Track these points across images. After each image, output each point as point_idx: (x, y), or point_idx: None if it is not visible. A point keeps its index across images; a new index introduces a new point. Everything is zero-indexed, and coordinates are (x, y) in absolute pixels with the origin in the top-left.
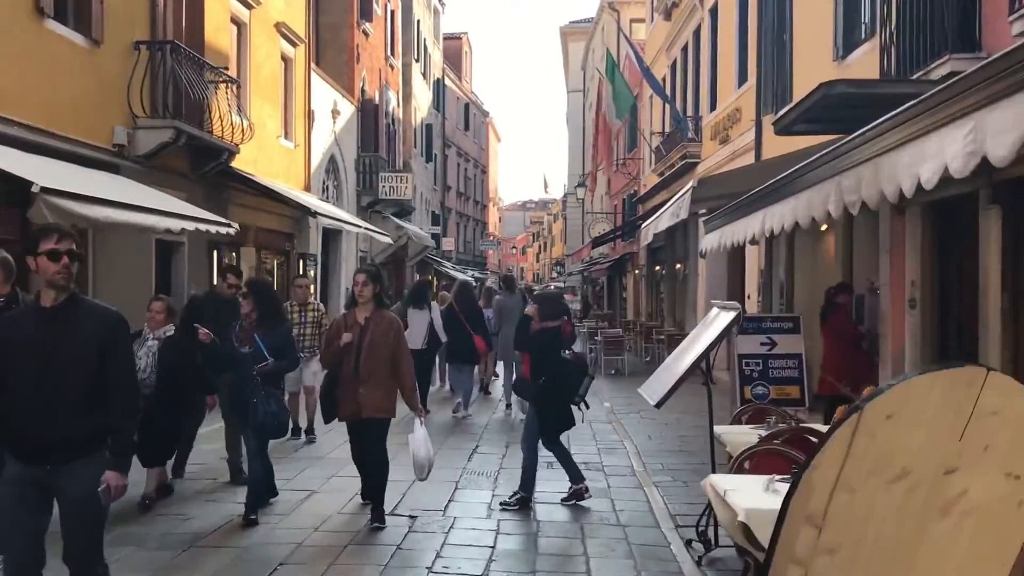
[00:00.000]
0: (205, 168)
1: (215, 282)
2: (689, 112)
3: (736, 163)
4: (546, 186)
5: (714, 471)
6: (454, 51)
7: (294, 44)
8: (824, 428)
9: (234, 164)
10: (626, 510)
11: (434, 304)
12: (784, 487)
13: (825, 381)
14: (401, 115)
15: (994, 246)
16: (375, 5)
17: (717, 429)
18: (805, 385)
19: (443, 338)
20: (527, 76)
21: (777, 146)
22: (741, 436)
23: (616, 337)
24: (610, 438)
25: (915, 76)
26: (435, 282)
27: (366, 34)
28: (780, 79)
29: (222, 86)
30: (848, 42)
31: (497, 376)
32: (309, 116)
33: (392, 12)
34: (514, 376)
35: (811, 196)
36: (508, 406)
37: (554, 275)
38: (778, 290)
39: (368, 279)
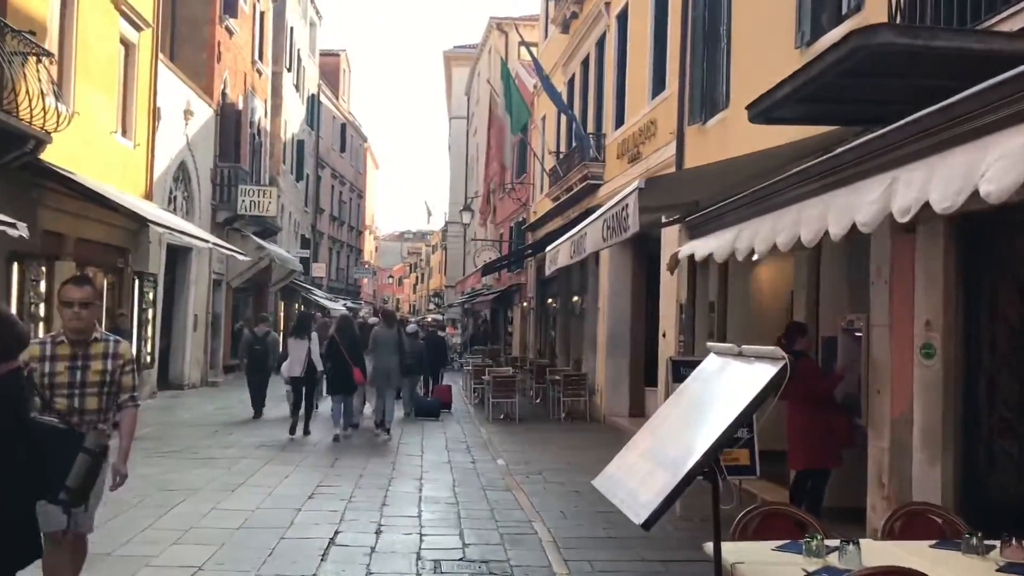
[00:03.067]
0: (4, 159)
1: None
2: (590, 130)
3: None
4: (429, 213)
5: None
6: (331, 68)
7: (138, 28)
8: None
9: (49, 158)
10: None
11: (313, 335)
12: None
13: (798, 455)
14: (269, 127)
15: None
16: (242, 2)
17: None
18: (755, 448)
19: (319, 367)
20: (407, 101)
21: (701, 160)
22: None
23: (507, 377)
24: (513, 516)
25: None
26: (301, 309)
27: (230, 32)
28: (711, 82)
29: (32, 60)
30: (818, 22)
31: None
32: (154, 113)
33: (262, 14)
34: (385, 402)
35: (847, 200)
36: (380, 426)
37: (431, 306)
38: (704, 328)
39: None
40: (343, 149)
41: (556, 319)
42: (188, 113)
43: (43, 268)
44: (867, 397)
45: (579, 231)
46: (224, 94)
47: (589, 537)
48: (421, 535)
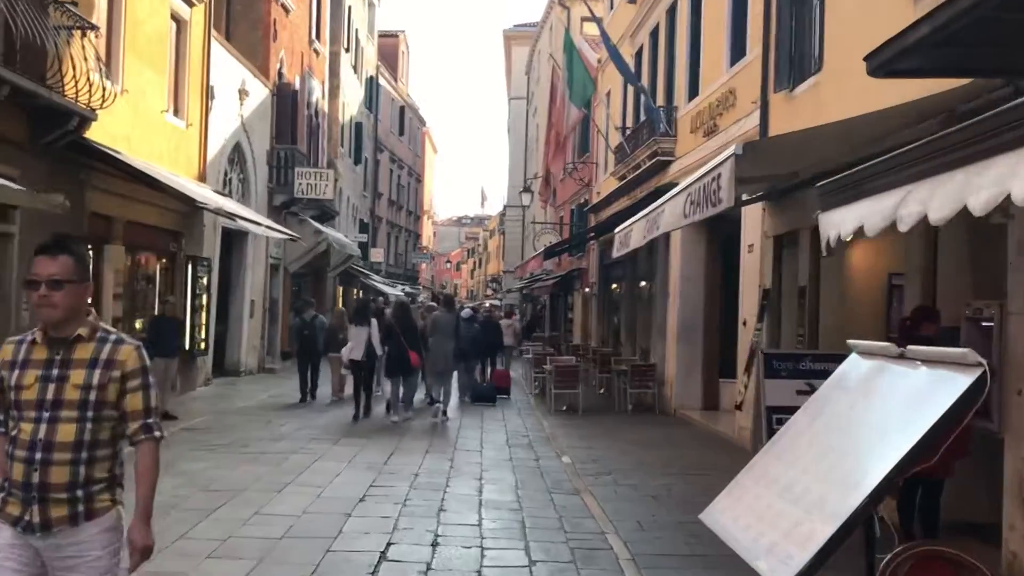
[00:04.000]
0: (48, 137)
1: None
2: (660, 104)
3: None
4: (484, 199)
5: None
6: (390, 49)
7: (190, 3)
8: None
9: (97, 138)
10: None
11: (373, 321)
12: None
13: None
14: (327, 109)
15: None
16: None
17: None
18: None
19: (379, 351)
20: (465, 84)
21: (788, 130)
22: None
23: (570, 367)
24: (584, 527)
25: None
26: (360, 295)
27: (286, 9)
28: (800, 45)
29: (77, 35)
30: None
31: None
32: (207, 93)
33: None
34: (443, 385)
35: None
36: (435, 409)
37: (489, 292)
38: (792, 316)
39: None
40: (401, 132)
41: (621, 305)
42: (243, 93)
43: (90, 252)
44: (1001, 399)
45: (656, 207)
46: (280, 74)
47: (672, 555)
48: (482, 549)
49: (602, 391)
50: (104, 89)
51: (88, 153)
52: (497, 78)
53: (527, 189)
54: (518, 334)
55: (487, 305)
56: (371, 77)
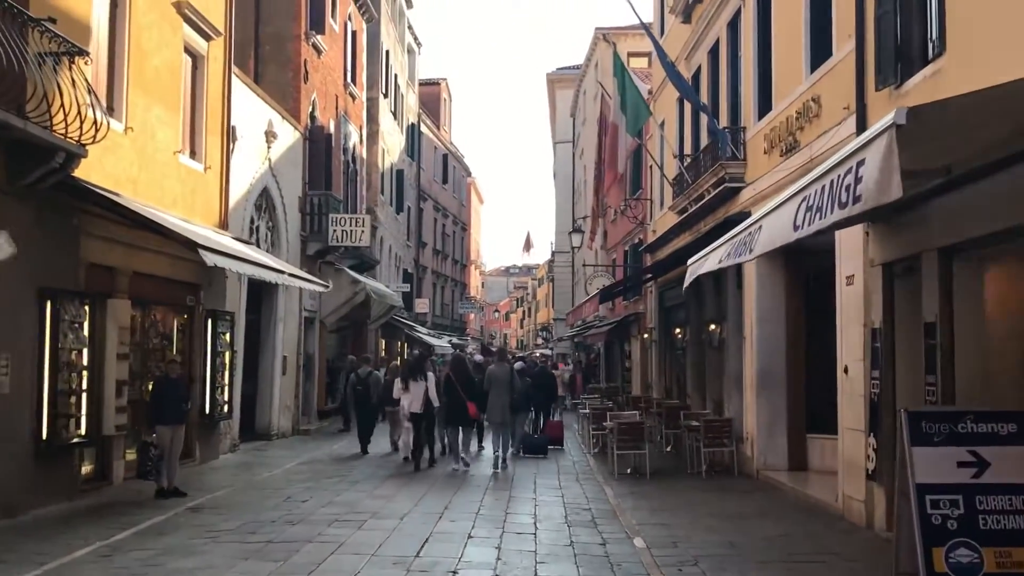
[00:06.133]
0: (30, 177)
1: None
2: (724, 127)
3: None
4: (528, 245)
5: None
6: (432, 97)
7: (207, 36)
8: None
9: (97, 180)
10: None
11: (429, 374)
12: None
13: None
14: (365, 155)
15: None
16: (330, 19)
17: None
18: None
19: (436, 403)
20: (509, 130)
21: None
22: None
23: (634, 423)
24: None
25: None
26: (405, 348)
27: (317, 50)
28: (908, 29)
29: (65, 61)
30: None
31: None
32: (228, 133)
33: (354, 33)
34: (501, 437)
35: None
36: (497, 461)
37: (539, 341)
38: (910, 359)
39: None
40: (445, 180)
41: (686, 352)
42: (270, 135)
43: (86, 307)
44: None
45: (749, 226)
46: (313, 117)
47: None
48: None
49: (668, 449)
50: (97, 123)
51: (82, 196)
52: (540, 124)
53: (577, 230)
54: (567, 384)
55: (538, 355)
56: (412, 124)
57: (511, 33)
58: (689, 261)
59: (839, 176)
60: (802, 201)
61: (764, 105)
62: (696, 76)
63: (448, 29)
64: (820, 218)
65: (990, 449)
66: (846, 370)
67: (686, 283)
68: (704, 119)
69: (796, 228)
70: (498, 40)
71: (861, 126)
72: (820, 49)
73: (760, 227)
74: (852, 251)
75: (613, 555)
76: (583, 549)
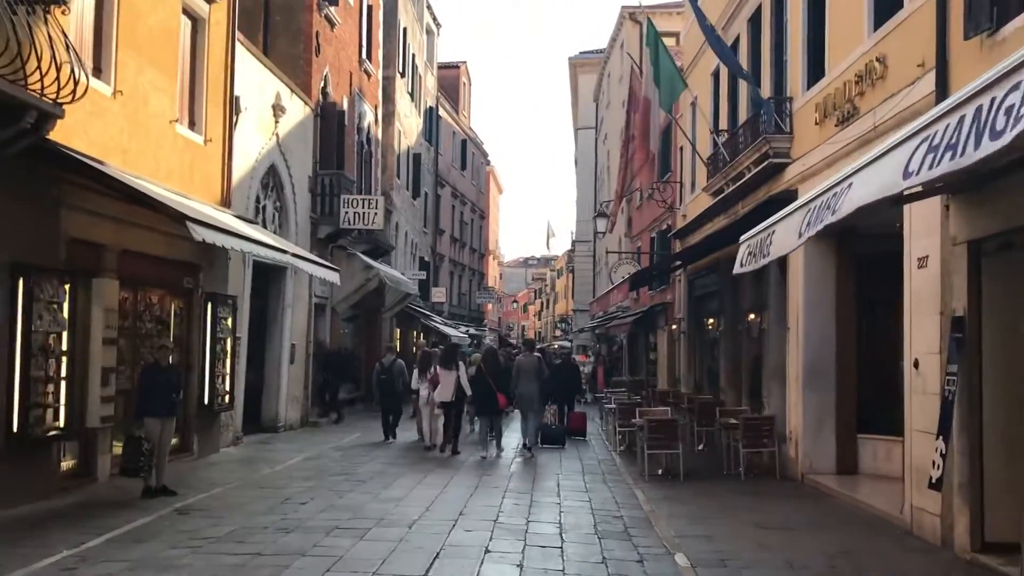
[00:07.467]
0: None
1: None
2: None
3: (874, 149)
4: (549, 235)
5: None
6: (451, 81)
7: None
8: None
9: (81, 147)
10: None
11: (461, 364)
12: None
13: None
14: (381, 136)
15: None
16: None
17: None
18: None
19: (468, 392)
20: (527, 118)
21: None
22: None
23: (666, 421)
24: None
25: None
26: (419, 337)
27: (330, 22)
28: None
29: (39, 11)
30: None
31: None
32: (231, 104)
33: (370, 7)
34: (529, 425)
35: None
36: (527, 448)
37: (557, 333)
38: (1010, 355)
39: None
40: (464, 167)
41: (719, 344)
42: (279, 109)
43: (66, 286)
44: None
45: (832, 187)
46: (325, 92)
47: None
48: None
49: (700, 447)
50: (76, 79)
51: (62, 163)
52: (560, 114)
53: (601, 214)
54: (587, 377)
55: (556, 347)
56: (431, 108)
57: (531, 18)
58: (742, 238)
59: (995, 99)
60: (922, 141)
61: (815, 72)
62: (735, 46)
63: (468, 13)
64: (954, 157)
65: None
66: (916, 364)
67: (744, 267)
68: (743, 93)
69: (908, 175)
70: (518, 25)
71: (942, 83)
72: (885, 3)
73: (851, 184)
74: (926, 228)
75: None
76: (618, 568)
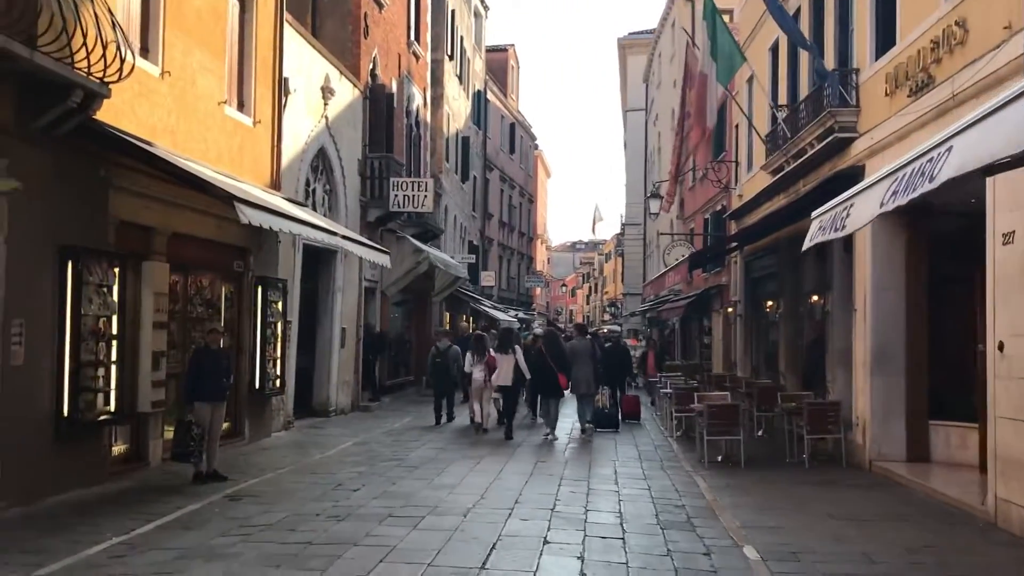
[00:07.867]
0: (43, 118)
1: None
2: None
3: (954, 118)
4: (596, 220)
5: None
6: (499, 64)
7: None
8: None
9: (130, 128)
10: None
11: (517, 348)
12: None
13: None
14: (429, 119)
15: None
16: None
17: None
18: None
19: (527, 375)
20: (575, 102)
21: None
22: None
23: (727, 407)
24: None
25: None
26: (468, 322)
27: (379, 4)
28: None
29: None
30: None
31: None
32: (280, 86)
33: None
34: (584, 407)
35: None
36: (583, 430)
37: (606, 317)
38: None
39: None
40: (512, 150)
41: (779, 327)
42: (327, 91)
43: (115, 269)
44: None
45: (927, 151)
46: (374, 75)
47: None
48: None
49: (761, 434)
50: (122, 58)
51: (110, 144)
52: (608, 93)
53: (654, 195)
54: (638, 362)
55: (605, 331)
56: (479, 91)
57: (580, 1)
58: (814, 213)
59: None
60: None
61: (885, 41)
62: (796, 16)
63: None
64: None
65: None
66: (1001, 347)
67: (815, 240)
68: (803, 66)
69: None
70: (567, 6)
71: None
72: None
73: (950, 148)
74: (1012, 202)
75: (722, 570)
76: (684, 562)
